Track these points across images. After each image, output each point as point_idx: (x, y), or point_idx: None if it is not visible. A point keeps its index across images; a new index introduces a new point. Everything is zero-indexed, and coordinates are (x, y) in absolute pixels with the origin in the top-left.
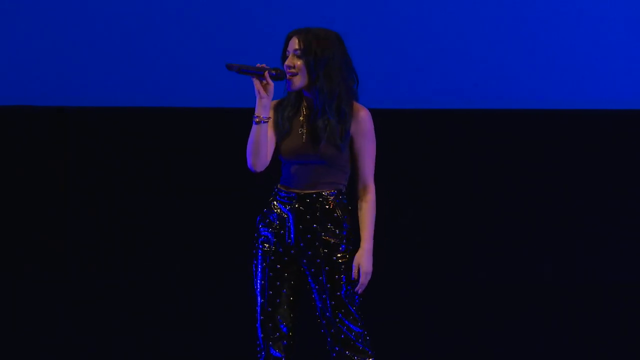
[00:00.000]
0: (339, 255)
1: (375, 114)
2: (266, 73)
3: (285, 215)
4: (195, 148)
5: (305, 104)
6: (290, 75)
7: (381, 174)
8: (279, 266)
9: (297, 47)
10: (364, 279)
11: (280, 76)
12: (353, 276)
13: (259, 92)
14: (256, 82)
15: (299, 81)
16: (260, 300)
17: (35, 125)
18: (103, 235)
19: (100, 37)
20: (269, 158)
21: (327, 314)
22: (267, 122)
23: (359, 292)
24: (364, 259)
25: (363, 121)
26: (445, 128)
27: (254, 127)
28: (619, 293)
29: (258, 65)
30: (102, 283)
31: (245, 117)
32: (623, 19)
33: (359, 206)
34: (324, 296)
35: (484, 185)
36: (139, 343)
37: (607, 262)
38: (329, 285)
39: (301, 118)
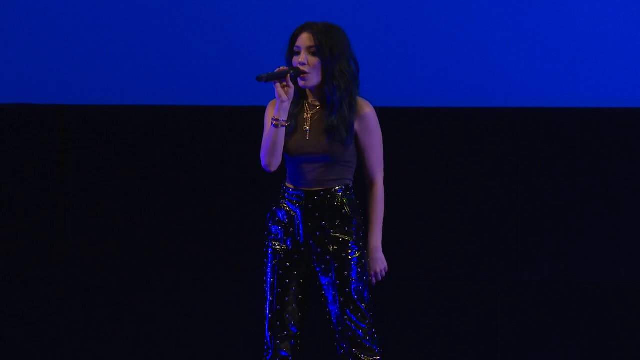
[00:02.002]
0: (348, 251)
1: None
2: (288, 76)
3: (294, 213)
4: (196, 146)
5: (309, 101)
6: (303, 74)
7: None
8: (288, 264)
9: (311, 43)
10: (380, 277)
11: (297, 74)
12: (366, 276)
13: (280, 96)
14: (277, 87)
15: (312, 80)
16: (269, 298)
17: (35, 123)
18: (103, 234)
19: (100, 35)
20: (281, 156)
21: (336, 310)
22: (285, 125)
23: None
24: (374, 260)
25: (368, 117)
26: (444, 126)
27: (272, 129)
28: (618, 293)
29: (280, 69)
30: (102, 283)
31: (248, 115)
32: (618, 19)
33: (367, 203)
34: (333, 293)
35: (482, 183)
36: (139, 343)
37: (609, 262)
38: (338, 281)
39: (305, 115)
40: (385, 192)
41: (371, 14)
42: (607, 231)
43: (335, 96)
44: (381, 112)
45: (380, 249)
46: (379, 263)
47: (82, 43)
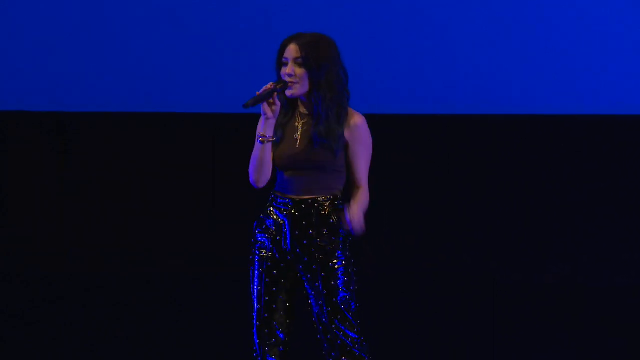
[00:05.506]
0: (335, 261)
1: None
2: (274, 94)
3: (282, 221)
4: (195, 148)
5: (300, 110)
6: (290, 84)
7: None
8: (275, 272)
9: (297, 54)
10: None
11: (284, 88)
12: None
13: (266, 113)
14: (264, 105)
15: (299, 89)
16: (257, 305)
17: (35, 127)
18: (103, 235)
19: (97, 42)
20: (271, 172)
21: (324, 319)
22: (271, 141)
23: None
24: (354, 217)
25: (358, 127)
26: (457, 132)
27: (259, 146)
28: (626, 296)
29: (266, 87)
30: (102, 283)
31: (245, 122)
32: (628, 26)
33: (351, 195)
34: (320, 302)
35: (492, 187)
36: (139, 343)
37: (616, 265)
38: (325, 291)
39: (296, 124)
40: (397, 197)
41: (380, 20)
42: (614, 235)
43: (321, 106)
44: (397, 120)
45: (361, 214)
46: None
47: (78, 50)
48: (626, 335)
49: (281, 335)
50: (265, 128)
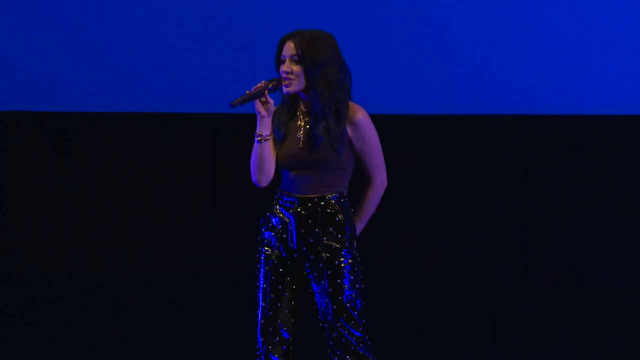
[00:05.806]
0: (341, 259)
1: None
2: (266, 92)
3: (288, 220)
4: (192, 152)
5: (302, 108)
6: (287, 81)
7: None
8: (281, 270)
9: (293, 52)
10: None
11: (277, 86)
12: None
13: (259, 112)
14: (257, 103)
15: (296, 86)
16: (262, 303)
17: (35, 127)
18: (102, 235)
19: (97, 42)
20: (273, 171)
21: (329, 318)
22: (268, 139)
23: None
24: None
25: (361, 123)
26: (458, 133)
27: (257, 145)
28: (625, 296)
29: (258, 86)
30: (102, 283)
31: (245, 122)
32: (628, 27)
33: (362, 197)
34: (326, 300)
35: (492, 187)
36: (139, 343)
37: (616, 265)
38: (331, 289)
39: (298, 122)
40: (398, 198)
41: (380, 20)
42: (614, 235)
43: (318, 104)
44: (397, 120)
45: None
46: None
47: (77, 50)
48: (626, 335)
49: (285, 334)
50: (261, 127)
